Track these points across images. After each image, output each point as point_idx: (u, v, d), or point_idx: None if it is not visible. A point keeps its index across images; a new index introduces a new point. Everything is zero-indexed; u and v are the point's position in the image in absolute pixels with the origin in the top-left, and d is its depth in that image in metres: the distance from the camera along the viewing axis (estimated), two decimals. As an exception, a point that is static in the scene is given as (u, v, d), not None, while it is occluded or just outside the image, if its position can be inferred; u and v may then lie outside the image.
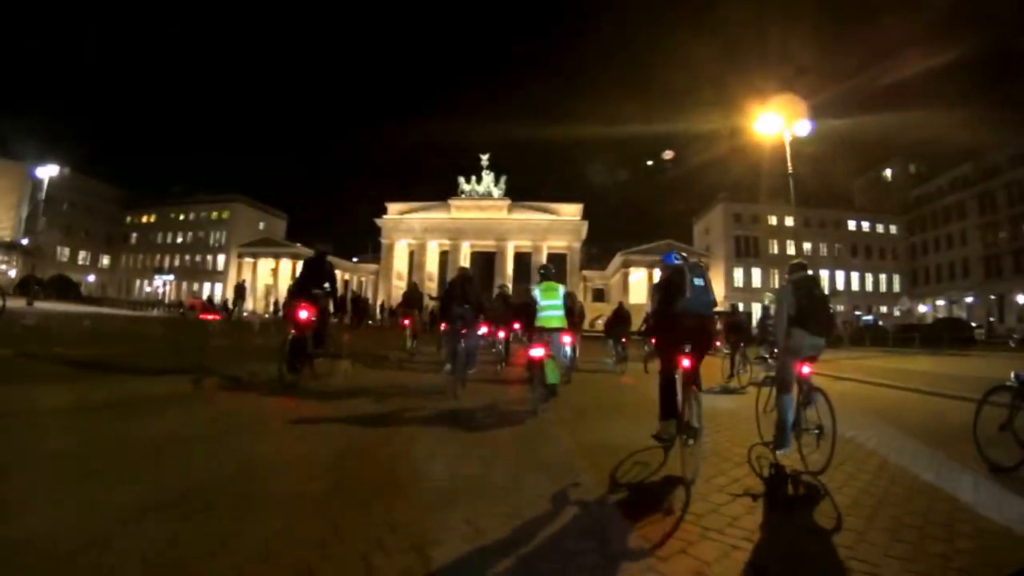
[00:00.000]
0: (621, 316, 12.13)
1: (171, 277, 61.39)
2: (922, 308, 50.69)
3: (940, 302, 51.23)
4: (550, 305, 6.22)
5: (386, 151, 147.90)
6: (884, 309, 52.78)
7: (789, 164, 16.21)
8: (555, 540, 2.37)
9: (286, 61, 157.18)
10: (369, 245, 65.53)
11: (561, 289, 6.50)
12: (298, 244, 62.74)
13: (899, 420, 6.00)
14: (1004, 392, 4.01)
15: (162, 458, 3.25)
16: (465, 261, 61.17)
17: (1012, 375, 3.98)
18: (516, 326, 10.18)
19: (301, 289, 6.37)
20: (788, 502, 3.21)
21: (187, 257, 67.95)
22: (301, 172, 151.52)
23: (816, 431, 3.67)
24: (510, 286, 16.17)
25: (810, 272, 4.20)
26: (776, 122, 16.52)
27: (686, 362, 3.53)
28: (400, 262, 61.91)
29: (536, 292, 6.37)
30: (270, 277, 61.10)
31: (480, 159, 59.21)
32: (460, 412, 5.50)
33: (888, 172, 65.22)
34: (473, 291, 7.10)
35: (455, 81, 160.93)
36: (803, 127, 16.40)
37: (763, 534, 2.54)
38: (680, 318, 3.59)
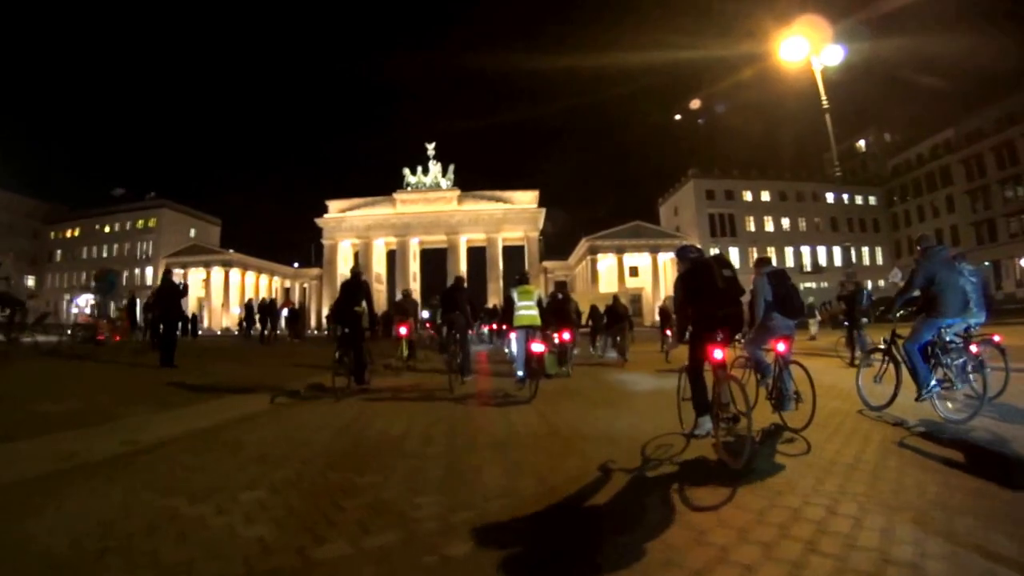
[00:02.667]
0: (617, 310, 12.15)
1: (98, 295, 54.80)
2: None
3: (929, 274, 47.45)
4: (525, 305, 7.11)
5: (327, 146, 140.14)
6: (869, 284, 48.80)
7: (823, 97, 13.72)
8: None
9: (215, 52, 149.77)
10: (313, 249, 59.88)
11: (536, 292, 7.59)
12: (230, 250, 56.84)
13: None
14: (878, 352, 5.18)
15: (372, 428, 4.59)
16: (414, 259, 56.16)
17: (881, 340, 5.14)
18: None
19: (340, 310, 7.04)
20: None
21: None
22: (237, 174, 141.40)
23: (794, 397, 4.23)
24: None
25: (778, 267, 4.95)
26: (801, 47, 14.02)
27: (719, 353, 3.62)
28: (345, 265, 56.29)
29: (514, 294, 7.36)
30: (201, 288, 54.77)
31: (426, 148, 54.28)
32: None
33: (862, 143, 62.14)
34: (463, 298, 8.01)
35: (392, 40, 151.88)
36: (833, 53, 14.10)
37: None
38: (711, 309, 3.71)
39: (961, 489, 2.67)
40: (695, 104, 37.08)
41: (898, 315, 4.97)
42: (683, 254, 4.07)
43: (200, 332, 35.86)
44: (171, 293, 9.28)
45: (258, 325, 20.74)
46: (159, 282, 9.88)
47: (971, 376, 4.45)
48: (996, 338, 5.09)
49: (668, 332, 14.31)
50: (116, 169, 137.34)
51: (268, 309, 20.97)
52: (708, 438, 3.66)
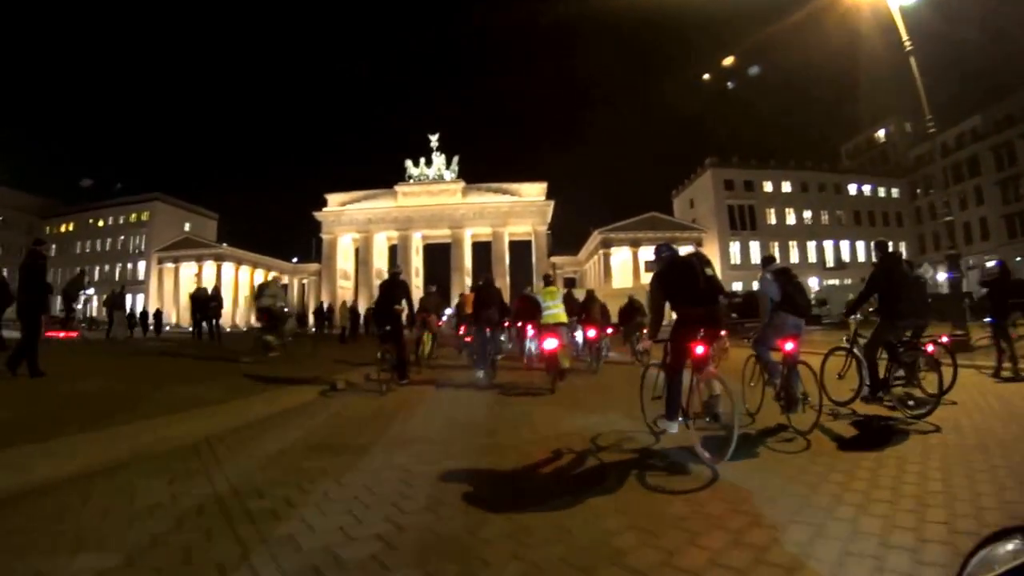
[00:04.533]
0: (634, 308, 12.30)
1: (91, 291, 52.72)
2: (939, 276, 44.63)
3: (956, 269, 45.41)
4: (553, 305, 7.75)
5: (327, 139, 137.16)
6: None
7: (905, 38, 11.12)
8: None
9: (216, 44, 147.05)
10: (313, 244, 57.82)
11: (560, 292, 8.37)
12: (224, 244, 54.78)
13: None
14: (840, 350, 5.43)
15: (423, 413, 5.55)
16: (416, 254, 54.07)
17: (843, 339, 5.44)
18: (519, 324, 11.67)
19: (381, 308, 7.33)
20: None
21: (107, 267, 59.82)
22: (237, 169, 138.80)
23: (803, 399, 4.22)
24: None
25: (784, 266, 4.89)
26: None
27: (701, 348, 3.63)
28: (345, 260, 54.33)
29: (539, 296, 8.03)
30: (193, 284, 52.68)
31: (429, 140, 51.97)
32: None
33: (882, 132, 59.71)
34: (494, 296, 8.32)
35: (392, 28, 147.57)
36: None
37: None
38: (692, 308, 3.70)
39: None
40: (728, 62, 34.37)
41: (859, 317, 5.36)
42: (658, 253, 4.12)
43: (168, 328, 33.63)
44: (33, 274, 6.81)
45: (205, 323, 16.48)
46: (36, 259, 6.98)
47: (923, 374, 4.76)
48: (944, 339, 5.68)
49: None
50: (115, 164, 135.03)
51: (203, 302, 15.97)
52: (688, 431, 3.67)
